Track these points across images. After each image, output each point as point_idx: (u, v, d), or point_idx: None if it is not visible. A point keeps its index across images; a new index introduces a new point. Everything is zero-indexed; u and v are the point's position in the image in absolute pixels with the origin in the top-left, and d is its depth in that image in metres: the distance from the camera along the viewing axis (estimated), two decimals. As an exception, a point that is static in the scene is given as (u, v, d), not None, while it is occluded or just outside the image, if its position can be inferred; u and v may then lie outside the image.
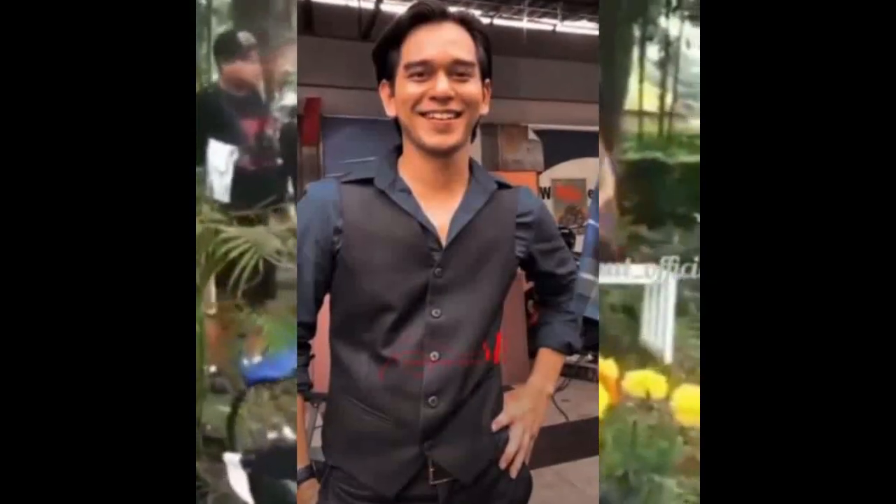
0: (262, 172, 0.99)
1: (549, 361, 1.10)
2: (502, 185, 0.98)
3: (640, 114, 0.77)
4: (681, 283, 0.74)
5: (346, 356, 0.93)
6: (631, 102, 0.78)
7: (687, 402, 0.71)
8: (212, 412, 0.84)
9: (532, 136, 6.84)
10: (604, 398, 0.76)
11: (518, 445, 1.00)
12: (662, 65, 0.76)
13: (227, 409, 0.86)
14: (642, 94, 0.77)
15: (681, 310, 0.74)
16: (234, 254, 0.85)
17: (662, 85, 0.76)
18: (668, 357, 0.73)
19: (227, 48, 1.00)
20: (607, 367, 0.77)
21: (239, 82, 1.01)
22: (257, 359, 0.88)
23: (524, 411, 1.03)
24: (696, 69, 0.69)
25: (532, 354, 1.13)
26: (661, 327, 0.74)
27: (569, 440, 3.08)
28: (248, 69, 1.00)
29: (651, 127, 0.77)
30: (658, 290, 0.75)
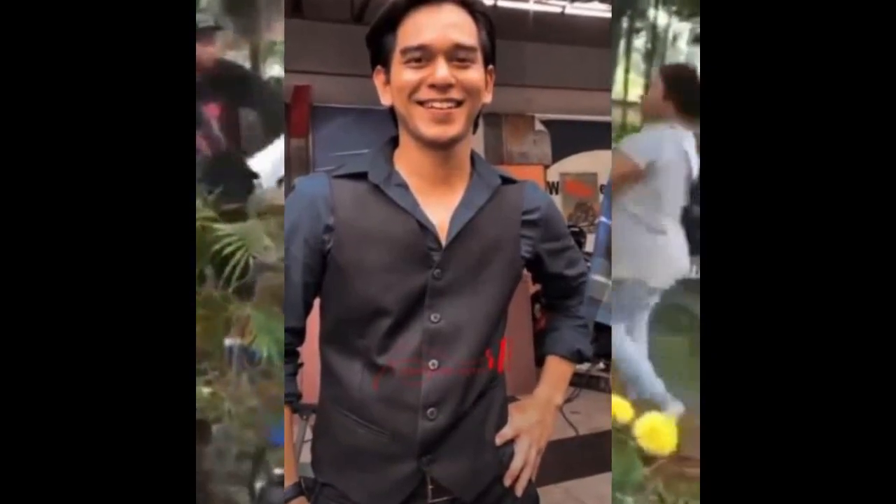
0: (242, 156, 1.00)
1: (557, 370, 1.10)
2: (507, 180, 0.98)
3: (625, 104, 0.80)
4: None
5: (337, 364, 0.93)
6: (616, 93, 0.81)
7: (649, 428, 0.75)
8: (196, 394, 0.88)
9: (539, 126, 6.84)
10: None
11: (524, 460, 1.00)
12: (648, 56, 0.79)
13: (208, 391, 0.90)
14: (627, 84, 0.80)
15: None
16: (227, 251, 0.88)
17: (647, 76, 0.79)
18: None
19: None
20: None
21: None
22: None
23: (531, 424, 1.03)
24: (682, 60, 0.72)
25: (539, 362, 1.13)
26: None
27: (579, 455, 3.08)
28: (203, 52, 1.01)
29: (634, 118, 0.80)
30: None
